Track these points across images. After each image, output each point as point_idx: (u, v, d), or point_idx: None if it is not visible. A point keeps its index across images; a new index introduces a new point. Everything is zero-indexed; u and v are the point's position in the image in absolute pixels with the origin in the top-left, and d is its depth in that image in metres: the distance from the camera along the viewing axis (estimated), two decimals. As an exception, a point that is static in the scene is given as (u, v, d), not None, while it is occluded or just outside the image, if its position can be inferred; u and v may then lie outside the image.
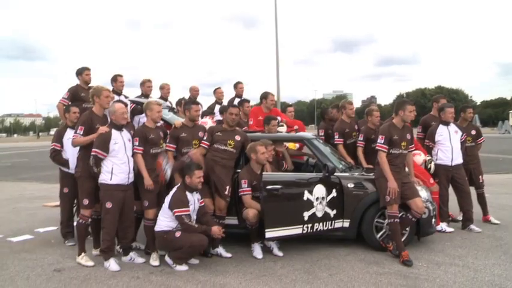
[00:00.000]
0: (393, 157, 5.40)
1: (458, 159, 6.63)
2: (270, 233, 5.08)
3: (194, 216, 5.07)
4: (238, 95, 9.06)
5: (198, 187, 5.08)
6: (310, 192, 5.30)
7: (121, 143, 5.02)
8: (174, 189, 5.11)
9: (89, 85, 6.67)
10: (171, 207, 4.93)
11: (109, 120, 5.22)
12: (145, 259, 5.27)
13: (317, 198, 5.34)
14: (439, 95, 7.45)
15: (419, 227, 5.59)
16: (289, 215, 5.21)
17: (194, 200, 5.06)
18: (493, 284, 4.45)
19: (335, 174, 5.56)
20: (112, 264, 4.98)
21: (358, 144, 6.79)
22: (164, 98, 8.09)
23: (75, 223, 6.29)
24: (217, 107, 8.75)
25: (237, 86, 9.15)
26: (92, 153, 4.92)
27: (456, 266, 4.96)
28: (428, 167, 6.56)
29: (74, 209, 6.27)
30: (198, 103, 5.87)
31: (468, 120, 7.18)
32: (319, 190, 5.37)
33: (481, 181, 7.04)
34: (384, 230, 5.57)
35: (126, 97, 6.88)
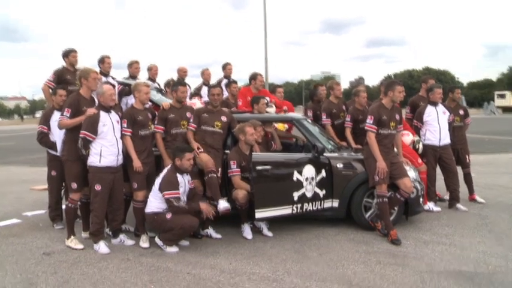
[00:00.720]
0: (382, 137, 5.42)
1: (446, 140, 6.68)
2: (260, 213, 5.09)
3: (184, 198, 5.06)
4: (227, 75, 8.99)
5: (188, 169, 5.06)
6: (300, 172, 5.31)
7: (109, 124, 4.96)
8: (165, 170, 5.08)
9: (75, 67, 6.56)
10: (161, 189, 4.91)
11: (96, 102, 5.16)
12: (135, 241, 5.26)
13: (306, 179, 5.35)
14: (427, 76, 7.48)
15: (408, 206, 5.65)
16: (279, 195, 5.22)
17: (185, 181, 5.05)
18: (478, 260, 4.53)
19: (324, 154, 5.57)
20: (102, 246, 4.96)
21: (345, 125, 6.80)
22: (152, 79, 8.01)
23: (63, 206, 6.28)
24: (204, 88, 8.68)
25: (226, 67, 9.07)
26: (80, 136, 4.85)
27: (443, 245, 5.04)
28: (417, 147, 6.61)
29: (62, 192, 6.22)
30: (185, 84, 5.82)
31: (456, 101, 7.22)
32: (309, 170, 5.39)
33: (467, 161, 7.12)
34: (372, 210, 5.63)
35: (113, 78, 6.79)
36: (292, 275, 4.22)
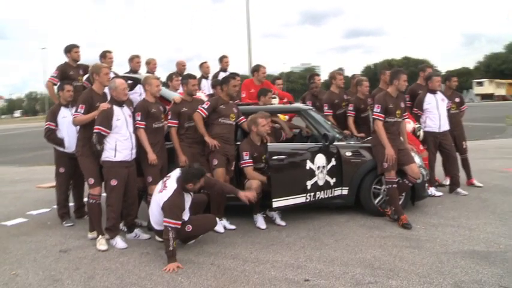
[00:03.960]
0: (389, 125, 5.55)
1: (446, 126, 6.86)
2: (276, 203, 5.19)
3: (188, 214, 4.81)
4: (224, 68, 9.04)
5: (196, 192, 4.92)
6: (312, 161, 5.41)
7: (123, 119, 4.96)
8: (171, 191, 4.57)
9: (78, 63, 6.54)
10: (164, 211, 4.52)
11: (108, 97, 5.16)
12: (150, 235, 5.28)
13: (318, 167, 5.45)
14: (424, 64, 7.66)
15: (414, 191, 5.81)
16: (294, 184, 5.31)
17: (190, 198, 4.81)
18: (488, 240, 4.70)
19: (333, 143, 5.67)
20: (119, 241, 4.98)
21: (348, 114, 6.95)
22: (151, 72, 7.98)
23: (71, 204, 6.26)
24: (203, 81, 8.73)
25: (222, 59, 9.12)
26: (95, 131, 4.84)
27: (452, 227, 5.20)
28: (418, 134, 6.76)
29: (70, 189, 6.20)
30: (195, 77, 5.82)
31: (452, 89, 7.40)
32: (320, 159, 5.49)
33: (464, 147, 7.33)
34: (381, 196, 5.76)
35: (115, 73, 6.75)
36: (314, 261, 4.32)
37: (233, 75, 5.83)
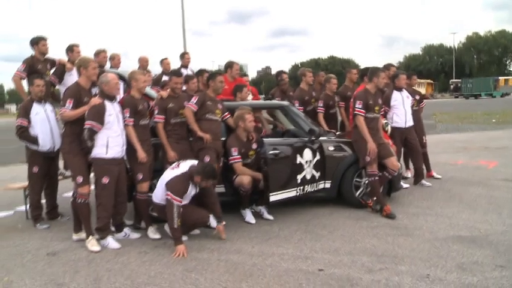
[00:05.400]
0: (369, 121, 5.80)
1: (410, 122, 7.26)
2: (273, 197, 5.27)
3: (189, 199, 4.85)
4: (184, 65, 9.05)
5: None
6: (301, 156, 5.54)
7: (114, 114, 4.77)
8: (180, 171, 4.74)
9: (46, 56, 6.20)
10: (168, 187, 4.62)
11: (93, 93, 4.96)
12: (140, 234, 5.14)
13: (306, 162, 5.60)
14: (389, 64, 8.01)
15: (390, 183, 6.12)
16: (287, 179, 5.42)
17: (195, 189, 4.87)
18: (468, 226, 5.08)
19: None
20: (111, 242, 4.79)
21: (318, 110, 7.22)
22: (115, 68, 7.72)
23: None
24: (165, 77, 8.59)
25: (184, 56, 9.17)
26: (87, 126, 4.61)
27: (431, 216, 5.55)
28: (386, 129, 7.10)
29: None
30: (180, 75, 5.72)
31: (413, 86, 7.85)
32: (307, 154, 5.63)
33: (424, 141, 7.80)
34: (361, 189, 6.00)
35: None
36: (319, 252, 4.44)
37: (219, 71, 5.83)
